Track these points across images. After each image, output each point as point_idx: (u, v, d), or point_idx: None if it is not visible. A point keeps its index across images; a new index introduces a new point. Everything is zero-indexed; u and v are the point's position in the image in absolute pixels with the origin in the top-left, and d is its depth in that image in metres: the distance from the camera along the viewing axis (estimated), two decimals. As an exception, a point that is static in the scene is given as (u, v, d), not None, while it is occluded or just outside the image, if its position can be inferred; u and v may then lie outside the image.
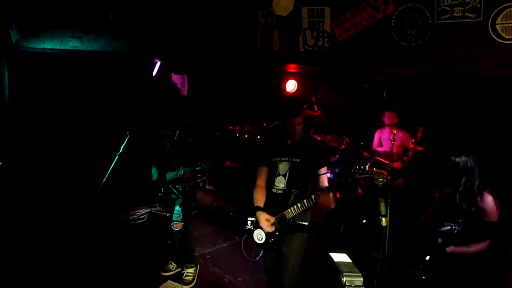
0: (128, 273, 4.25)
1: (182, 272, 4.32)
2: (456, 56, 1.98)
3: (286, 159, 3.35)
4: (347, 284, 1.90)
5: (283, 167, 3.36)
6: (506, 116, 4.23)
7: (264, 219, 3.32)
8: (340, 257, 2.11)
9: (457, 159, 3.02)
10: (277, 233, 3.34)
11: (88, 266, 4.31)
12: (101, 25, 3.76)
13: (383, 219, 2.80)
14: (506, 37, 1.78)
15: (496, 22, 1.80)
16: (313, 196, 3.14)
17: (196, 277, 4.33)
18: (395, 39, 2.09)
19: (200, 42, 3.16)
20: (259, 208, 3.38)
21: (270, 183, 3.44)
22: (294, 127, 3.24)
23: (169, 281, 4.28)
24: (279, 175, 3.37)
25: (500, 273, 2.96)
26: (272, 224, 3.31)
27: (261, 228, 3.36)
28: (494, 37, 1.81)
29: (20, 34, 4.64)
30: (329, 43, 2.37)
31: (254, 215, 3.42)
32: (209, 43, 3.05)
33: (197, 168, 3.92)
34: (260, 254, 3.46)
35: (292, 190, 3.30)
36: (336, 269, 2.04)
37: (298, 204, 3.22)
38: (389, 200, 2.82)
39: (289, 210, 3.26)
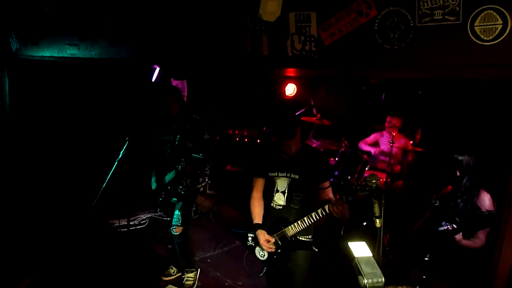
0: (128, 277, 4.28)
1: (183, 276, 4.33)
2: (437, 58, 2.01)
3: (284, 174, 3.19)
4: (367, 287, 1.72)
5: (281, 183, 3.22)
6: (501, 116, 4.23)
7: (264, 239, 3.16)
8: (360, 250, 1.89)
9: (461, 158, 3.05)
10: (279, 251, 3.21)
11: (88, 271, 4.33)
12: (97, 32, 3.82)
13: (377, 220, 2.79)
14: (485, 38, 1.80)
15: (475, 24, 1.82)
16: (325, 207, 2.95)
17: (196, 281, 4.34)
18: (379, 42, 2.12)
19: (193, 49, 3.20)
20: (258, 226, 3.22)
21: (268, 198, 3.30)
22: (289, 147, 3.06)
23: (169, 285, 4.30)
24: (277, 191, 3.23)
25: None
26: (273, 244, 3.18)
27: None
28: (474, 39, 1.83)
29: (20, 43, 4.71)
30: (316, 47, 2.40)
31: (253, 232, 3.26)
32: (201, 49, 3.10)
33: (193, 161, 3.88)
34: (264, 270, 3.38)
35: (292, 206, 3.18)
36: (354, 265, 1.84)
37: (299, 222, 3.08)
38: (383, 201, 2.83)
39: (290, 227, 3.13)
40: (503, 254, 2.82)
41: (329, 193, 3.20)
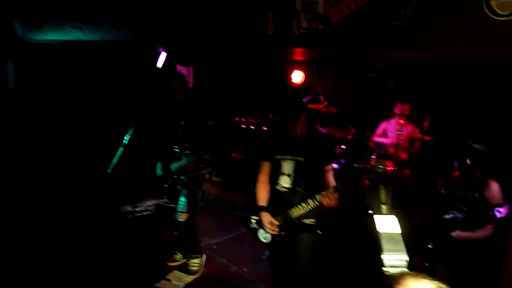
0: (134, 263, 4.30)
1: (188, 262, 4.35)
2: (451, 35, 1.92)
3: (290, 157, 3.23)
4: (385, 265, 1.53)
5: (287, 165, 3.24)
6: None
7: (268, 221, 3.20)
8: (386, 225, 1.72)
9: (476, 146, 3.01)
10: (283, 233, 3.22)
11: (95, 258, 4.35)
12: (101, 15, 3.78)
13: (384, 206, 2.76)
14: (502, 13, 1.71)
15: (491, -1, 1.74)
16: (317, 196, 3.01)
17: (202, 267, 4.36)
18: (389, 19, 2.03)
19: (197, 29, 3.14)
20: (262, 208, 3.26)
21: (274, 181, 3.32)
22: (294, 130, 3.13)
23: (175, 271, 4.33)
24: (283, 174, 3.25)
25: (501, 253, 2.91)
26: (277, 226, 3.20)
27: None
28: (490, 14, 1.74)
29: (24, 27, 4.68)
30: (323, 25, 2.32)
31: (257, 214, 3.29)
32: (205, 29, 3.04)
33: (198, 157, 3.92)
34: (266, 253, 3.39)
35: (298, 188, 3.19)
36: (378, 241, 1.67)
37: (303, 204, 3.10)
38: (390, 187, 2.79)
39: (294, 209, 3.15)
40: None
41: (330, 177, 3.22)
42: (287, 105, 3.15)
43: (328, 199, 2.94)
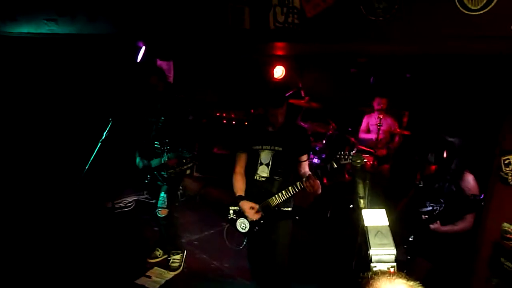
0: (114, 260, 4.24)
1: (169, 258, 4.33)
2: (423, 30, 1.94)
3: (268, 147, 3.31)
4: (372, 260, 1.52)
5: (265, 155, 3.32)
6: (487, 98, 4.24)
7: (248, 207, 3.28)
8: (374, 218, 1.70)
9: (451, 139, 3.06)
10: (262, 221, 3.31)
11: (73, 254, 4.28)
12: (76, 7, 3.71)
13: (361, 200, 2.80)
14: (472, 8, 1.73)
15: (462, -7, 1.76)
16: (298, 183, 3.11)
17: (182, 263, 4.34)
18: (364, 13, 2.04)
19: (173, 22, 3.11)
20: (241, 198, 3.34)
21: (252, 171, 3.39)
22: (276, 117, 3.18)
23: (155, 267, 4.30)
24: (261, 164, 3.32)
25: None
26: (257, 212, 3.28)
27: (245, 217, 3.34)
28: (461, 8, 1.76)
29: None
30: (299, 20, 2.32)
31: (236, 204, 3.37)
32: (182, 22, 3.00)
33: (179, 154, 3.90)
34: (244, 243, 3.44)
35: (275, 177, 3.28)
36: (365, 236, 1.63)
37: (283, 192, 3.19)
38: (367, 182, 2.83)
39: (273, 197, 3.23)
40: (486, 233, 2.84)
41: (306, 167, 3.36)
42: (272, 91, 3.28)
43: (311, 184, 3.02)
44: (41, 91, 5.84)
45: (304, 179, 3.08)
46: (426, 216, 3.16)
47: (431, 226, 3.06)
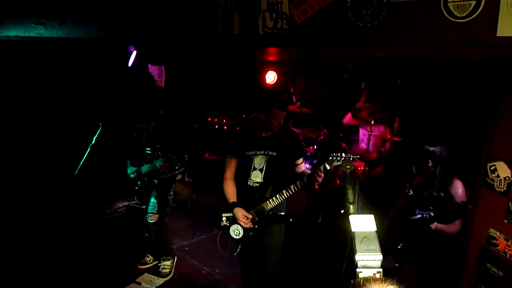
0: (104, 266, 4.21)
1: (159, 264, 4.31)
2: (409, 36, 1.96)
3: (262, 152, 3.30)
4: (358, 265, 1.53)
5: (259, 161, 3.32)
6: (474, 105, 4.28)
7: (242, 216, 3.28)
8: (361, 224, 1.71)
9: (432, 148, 3.08)
10: (256, 227, 3.32)
11: (63, 260, 4.25)
12: (64, 10, 3.69)
13: (351, 206, 2.80)
14: (458, 15, 1.75)
15: (448, 0, 1.77)
16: (298, 182, 3.12)
17: (173, 270, 4.32)
18: (352, 19, 2.06)
19: (162, 27, 3.11)
20: (235, 204, 3.33)
21: (244, 177, 3.39)
22: (280, 120, 3.18)
23: (146, 274, 4.27)
24: (255, 169, 3.33)
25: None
26: (251, 220, 3.28)
27: (239, 224, 3.33)
28: (447, 15, 1.78)
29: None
30: (287, 25, 2.33)
31: (228, 211, 3.37)
32: (171, 27, 3.00)
33: (170, 160, 3.87)
34: (238, 249, 3.43)
35: (269, 182, 3.30)
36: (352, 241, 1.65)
37: (277, 195, 3.20)
38: (357, 187, 2.85)
39: (267, 202, 3.24)
40: (472, 239, 2.86)
41: (302, 167, 3.44)
42: (278, 94, 3.44)
43: (318, 176, 3.03)
44: (30, 95, 5.80)
45: (311, 172, 3.10)
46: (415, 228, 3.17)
47: (431, 225, 3.06)
